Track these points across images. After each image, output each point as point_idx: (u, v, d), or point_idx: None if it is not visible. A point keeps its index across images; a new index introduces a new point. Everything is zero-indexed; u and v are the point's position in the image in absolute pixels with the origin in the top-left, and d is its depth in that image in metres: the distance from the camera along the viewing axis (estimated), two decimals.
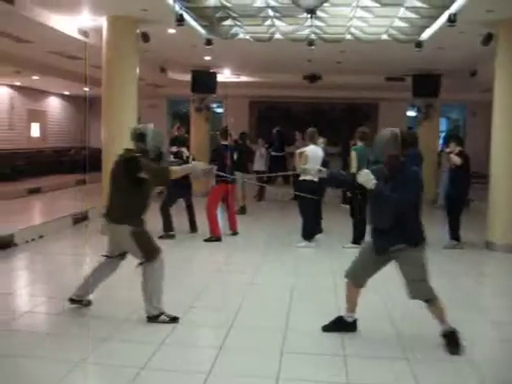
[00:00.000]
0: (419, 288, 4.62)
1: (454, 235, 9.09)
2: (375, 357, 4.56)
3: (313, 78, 16.31)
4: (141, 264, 5.18)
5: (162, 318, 5.13)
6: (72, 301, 5.46)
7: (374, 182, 4.55)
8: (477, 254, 8.81)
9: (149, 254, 5.16)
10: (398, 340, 4.88)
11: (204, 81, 15.56)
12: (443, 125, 21.43)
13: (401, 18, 9.38)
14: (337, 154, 15.05)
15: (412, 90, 15.30)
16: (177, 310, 5.32)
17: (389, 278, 5.04)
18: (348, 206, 9.78)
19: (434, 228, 10.26)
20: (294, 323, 5.28)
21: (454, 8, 8.32)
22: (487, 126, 9.28)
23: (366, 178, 4.58)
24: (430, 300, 4.64)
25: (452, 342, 4.62)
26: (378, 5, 8.56)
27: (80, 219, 10.47)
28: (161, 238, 9.15)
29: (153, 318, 5.13)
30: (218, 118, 21.17)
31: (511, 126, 8.82)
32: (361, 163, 8.70)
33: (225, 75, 16.37)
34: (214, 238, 9.14)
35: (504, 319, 5.68)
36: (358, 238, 8.93)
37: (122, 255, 5.41)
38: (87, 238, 9.48)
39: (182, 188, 9.40)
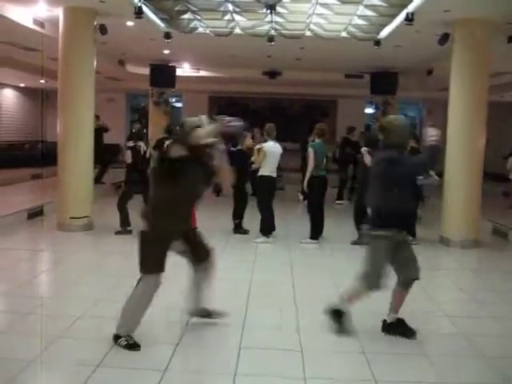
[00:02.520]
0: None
1: (411, 231, 9.23)
2: (332, 351, 4.60)
3: (272, 73, 16.33)
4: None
5: (121, 341, 4.45)
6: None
7: None
8: (432, 249, 8.95)
9: (143, 264, 4.45)
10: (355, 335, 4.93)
11: (163, 75, 15.45)
12: None
13: (360, 16, 9.48)
14: (295, 151, 15.10)
15: (370, 88, 15.49)
16: None
17: None
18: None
19: None
20: (252, 318, 5.28)
21: (411, 7, 8.45)
22: (443, 124, 9.43)
23: None
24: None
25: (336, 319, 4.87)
26: (337, 2, 8.64)
27: (35, 214, 10.27)
28: (118, 233, 9.07)
29: (116, 338, 4.48)
30: (177, 113, 21.02)
31: (466, 124, 9.00)
32: (318, 159, 8.76)
33: (184, 69, 16.26)
34: None
35: (459, 313, 5.82)
36: (316, 234, 9.00)
37: (194, 256, 4.80)
38: (43, 233, 9.32)
39: (139, 183, 9.32)
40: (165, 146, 4.44)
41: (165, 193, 4.42)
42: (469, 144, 8.96)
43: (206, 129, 4.40)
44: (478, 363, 4.48)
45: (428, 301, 5.98)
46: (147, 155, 9.48)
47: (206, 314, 5.00)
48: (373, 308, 5.36)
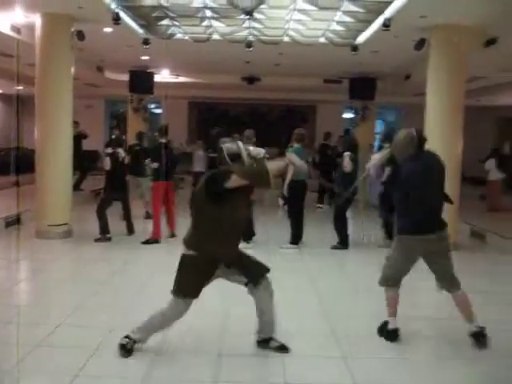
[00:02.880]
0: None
1: (388, 234, 9.30)
2: (313, 355, 4.61)
3: (251, 79, 16.38)
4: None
5: (124, 340, 4.45)
6: (259, 343, 4.68)
7: None
8: None
9: (179, 288, 4.39)
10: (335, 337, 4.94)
11: (142, 81, 15.41)
12: (379, 127, 21.94)
13: (337, 22, 9.54)
14: (274, 156, 15.11)
15: (349, 93, 15.59)
16: (115, 314, 5.23)
17: None
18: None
19: (370, 227, 10.50)
20: (232, 325, 5.27)
21: (388, 13, 8.52)
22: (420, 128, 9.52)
23: None
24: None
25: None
26: (315, 8, 8.68)
27: (13, 222, 10.15)
28: (97, 240, 9.01)
29: (126, 336, 4.47)
30: (156, 119, 20.95)
31: (443, 128, 9.08)
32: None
33: (163, 75, 16.23)
34: (152, 240, 9.00)
35: (440, 315, 5.87)
36: (295, 239, 9.01)
37: (245, 278, 4.54)
38: (21, 241, 9.22)
39: (118, 190, 9.29)
40: (221, 172, 4.27)
41: (215, 217, 4.26)
42: (446, 148, 9.00)
43: (275, 165, 4.43)
44: (461, 365, 4.51)
45: (409, 304, 6.00)
46: (126, 162, 9.45)
47: (270, 343, 4.65)
48: (356, 312, 5.40)
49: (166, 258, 8.26)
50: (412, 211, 4.81)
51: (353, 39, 10.56)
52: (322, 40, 10.66)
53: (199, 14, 9.30)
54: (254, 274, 4.52)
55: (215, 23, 9.82)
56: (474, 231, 10.51)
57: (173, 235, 9.49)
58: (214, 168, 4.62)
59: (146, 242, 8.96)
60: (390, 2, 8.24)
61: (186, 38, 10.82)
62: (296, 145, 9.05)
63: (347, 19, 9.31)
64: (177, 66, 15.51)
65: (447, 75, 9.10)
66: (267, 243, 9.25)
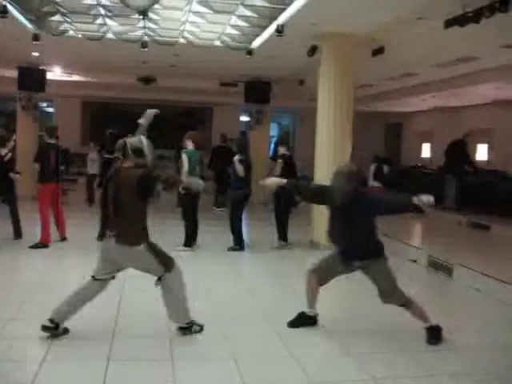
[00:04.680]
0: (394, 294, 5.00)
1: (282, 235, 9.50)
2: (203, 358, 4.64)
3: (147, 80, 16.19)
4: (160, 279, 4.98)
5: (195, 328, 5.06)
6: (46, 328, 4.76)
7: None
8: (303, 252, 9.24)
9: (167, 263, 5.00)
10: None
11: (32, 78, 14.77)
12: (274, 130, 22.35)
13: (232, 26, 9.62)
14: (171, 157, 15.06)
15: (244, 96, 15.77)
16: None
17: None
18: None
19: (265, 229, 10.68)
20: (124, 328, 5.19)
21: (281, 19, 8.70)
22: (314, 132, 9.81)
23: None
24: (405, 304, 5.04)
25: (434, 334, 5.01)
26: (210, 11, 8.71)
27: None
28: None
29: (186, 329, 5.03)
30: (48, 118, 20.21)
31: (332, 132, 9.39)
32: (192, 166, 8.78)
33: (55, 73, 15.68)
34: (41, 244, 8.67)
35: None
36: (189, 241, 8.99)
37: (113, 276, 5.11)
38: None
39: (1, 191, 8.89)
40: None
41: (144, 212, 5.04)
42: (336, 152, 9.31)
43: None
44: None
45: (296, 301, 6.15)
46: (5, 159, 8.99)
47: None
48: (247, 314, 5.46)
49: (56, 263, 8.03)
50: None
51: (248, 43, 10.68)
52: (218, 43, 10.73)
53: (92, 12, 9.07)
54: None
55: (109, 21, 9.62)
56: None
57: (63, 239, 9.22)
58: (108, 169, 4.88)
59: (35, 247, 8.62)
60: (284, 9, 8.41)
61: (79, 35, 10.51)
62: (190, 147, 9.02)
63: (242, 23, 9.42)
64: (70, 64, 15.03)
65: (336, 81, 9.43)
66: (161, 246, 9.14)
